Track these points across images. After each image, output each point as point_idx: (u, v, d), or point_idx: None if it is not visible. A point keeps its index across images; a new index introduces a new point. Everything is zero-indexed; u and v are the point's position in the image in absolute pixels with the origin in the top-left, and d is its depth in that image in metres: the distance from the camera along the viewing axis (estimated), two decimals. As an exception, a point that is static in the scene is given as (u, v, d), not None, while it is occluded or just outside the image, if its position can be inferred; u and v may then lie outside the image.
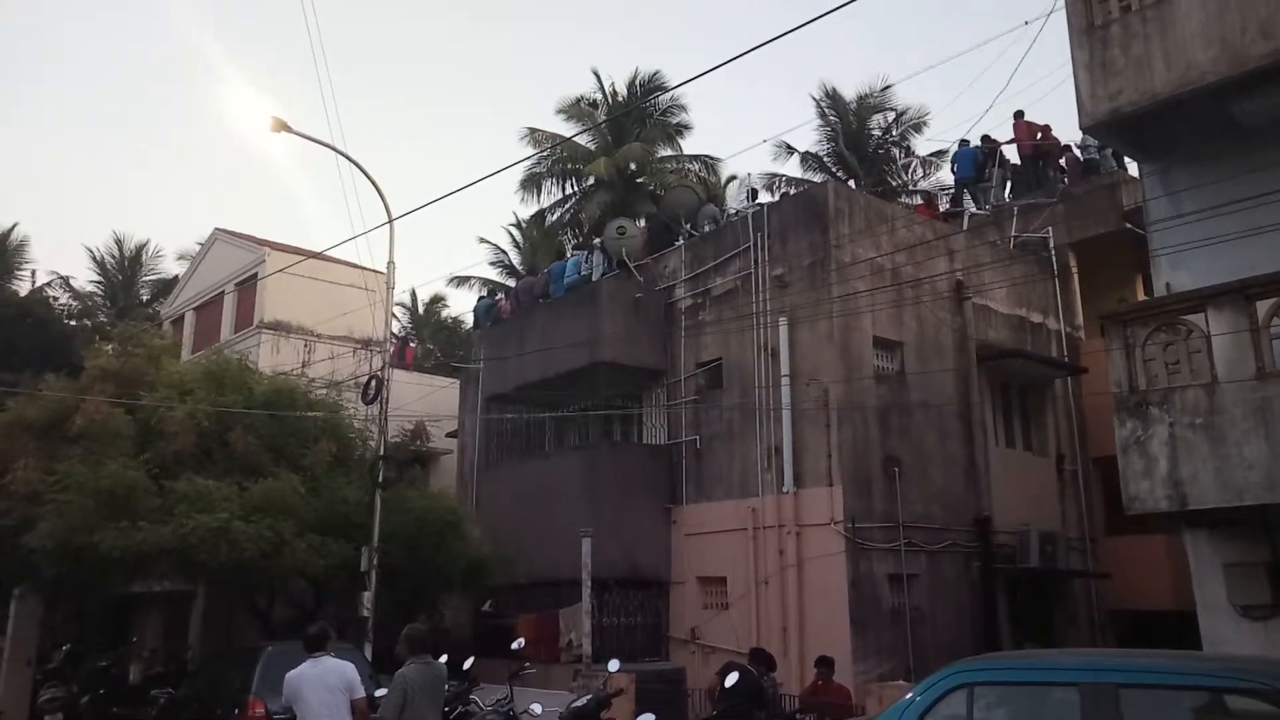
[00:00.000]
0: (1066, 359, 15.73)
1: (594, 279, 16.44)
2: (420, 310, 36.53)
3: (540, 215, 29.25)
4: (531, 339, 16.43)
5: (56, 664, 16.06)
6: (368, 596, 12.83)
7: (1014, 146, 17.68)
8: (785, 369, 13.27)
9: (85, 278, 32.25)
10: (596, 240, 17.94)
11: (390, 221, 14.32)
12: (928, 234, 14.40)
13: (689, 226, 16.67)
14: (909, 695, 5.17)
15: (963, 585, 13.21)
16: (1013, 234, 16.12)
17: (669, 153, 28.17)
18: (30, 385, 15.46)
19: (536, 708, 8.27)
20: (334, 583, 13.67)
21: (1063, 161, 17.18)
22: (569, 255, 18.77)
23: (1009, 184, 17.90)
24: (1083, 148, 16.65)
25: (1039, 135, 17.44)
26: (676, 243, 16.44)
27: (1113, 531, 15.18)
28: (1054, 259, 15.99)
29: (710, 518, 13.89)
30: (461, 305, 43.22)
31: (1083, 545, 15.15)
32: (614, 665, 9.06)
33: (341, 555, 12.98)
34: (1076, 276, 16.26)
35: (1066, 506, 15.23)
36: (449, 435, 19.66)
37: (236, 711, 9.96)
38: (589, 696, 8.04)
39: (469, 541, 14.30)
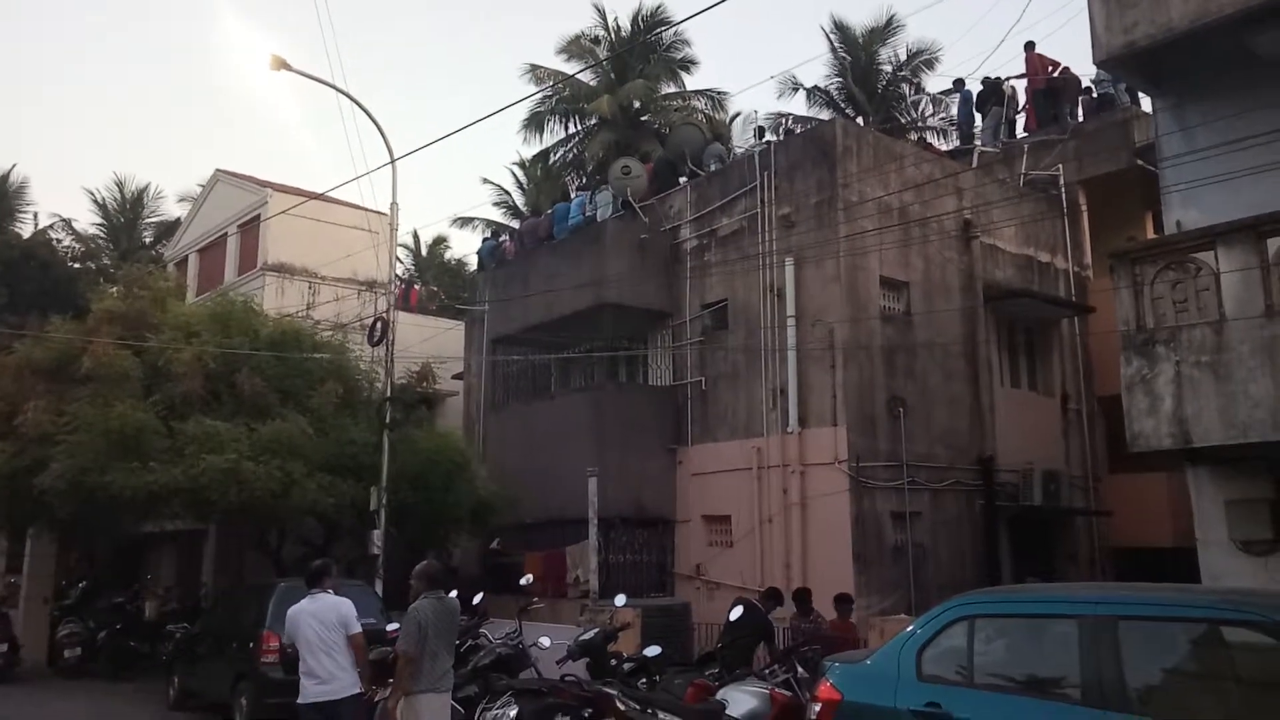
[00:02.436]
0: (1074, 298, 15.65)
1: (599, 219, 16.32)
2: (423, 252, 36.38)
3: (544, 155, 28.91)
4: (536, 280, 16.38)
5: (73, 601, 16.41)
6: (377, 535, 13.04)
7: (1023, 81, 17.32)
8: (791, 309, 13.23)
9: (87, 220, 32.16)
10: (598, 181, 17.76)
11: (393, 161, 14.19)
12: (936, 172, 14.22)
13: (694, 166, 16.47)
14: (910, 628, 5.27)
15: (965, 523, 13.35)
16: (1022, 171, 15.90)
17: (673, 89, 27.70)
18: (36, 327, 15.51)
19: (545, 640, 8.44)
20: (344, 521, 13.89)
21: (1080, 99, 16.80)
22: (573, 195, 18.58)
23: (1013, 121, 17.55)
24: (1096, 82, 16.32)
25: (1051, 70, 17.05)
26: (681, 182, 16.27)
27: (1115, 470, 15.28)
28: (1064, 197, 15.80)
29: (715, 457, 14.00)
30: (465, 246, 43.20)
31: (1085, 483, 15.26)
32: (620, 600, 9.23)
33: (351, 495, 13.16)
34: (1086, 215, 16.09)
35: (1070, 445, 15.31)
36: (455, 377, 19.74)
37: (251, 645, 10.21)
38: (596, 630, 8.20)
39: (476, 481, 14.47)
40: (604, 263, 14.91)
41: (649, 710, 6.11)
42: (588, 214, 16.95)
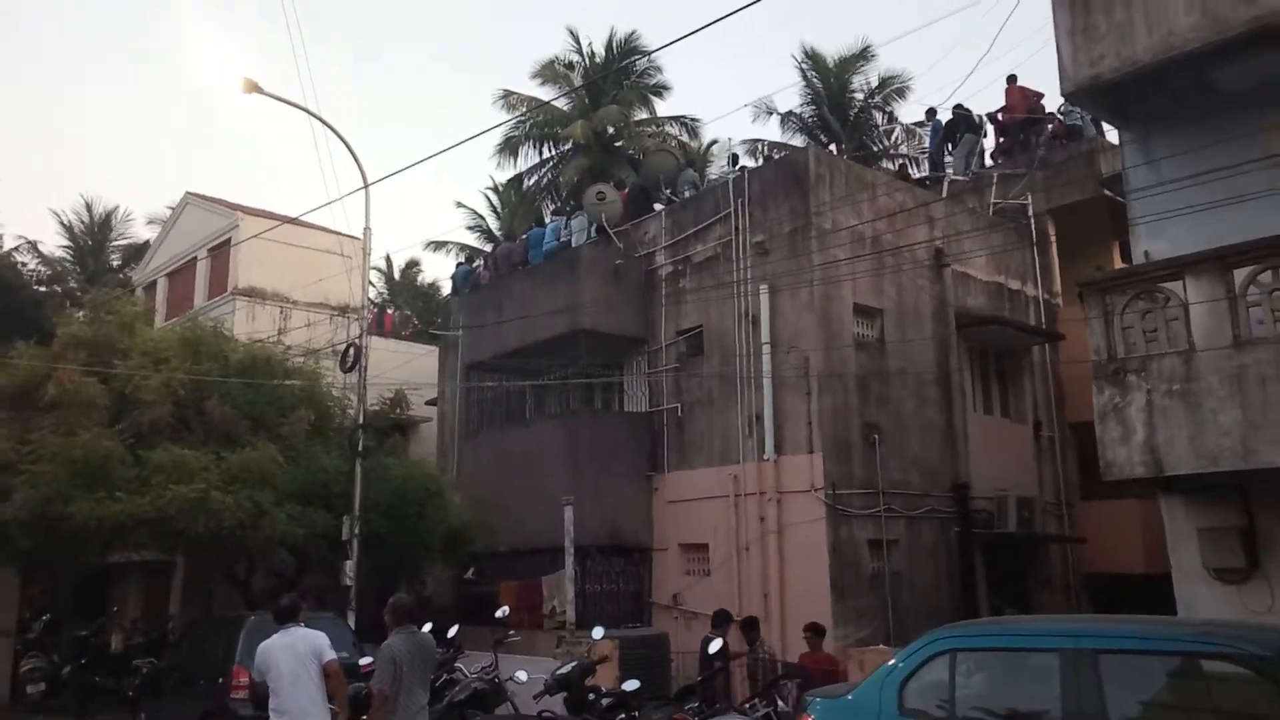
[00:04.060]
0: (1044, 326, 15.85)
1: (574, 245, 16.32)
2: (396, 276, 36.21)
3: (517, 179, 28.97)
4: (511, 306, 16.32)
5: (36, 634, 15.95)
6: (350, 565, 12.84)
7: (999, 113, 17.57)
8: (766, 336, 13.28)
9: (53, 242, 31.69)
10: (572, 207, 17.78)
11: (366, 186, 14.12)
12: (908, 201, 14.39)
13: (669, 192, 16.55)
14: (892, 662, 5.25)
15: (941, 550, 13.39)
16: (993, 200, 16.14)
17: (646, 115, 27.90)
18: (0, 353, 15.17)
19: (522, 675, 8.32)
20: (315, 552, 13.66)
21: (1050, 127, 17.06)
22: (548, 221, 18.59)
23: (983, 151, 17.81)
24: (1065, 113, 16.62)
25: (1034, 100, 17.28)
26: (656, 208, 16.34)
27: (1087, 496, 15.41)
28: (1033, 226, 16.04)
29: (692, 485, 13.96)
30: (438, 271, 43.03)
31: (1059, 510, 15.38)
32: (598, 633, 9.12)
33: (322, 524, 12.95)
34: (1055, 243, 16.33)
35: (1043, 472, 15.44)
36: (429, 403, 19.56)
37: (220, 680, 9.97)
38: (574, 663, 8.09)
39: (450, 509, 14.30)
40: (579, 288, 14.90)
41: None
42: (562, 239, 16.95)
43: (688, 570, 13.93)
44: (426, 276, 36.54)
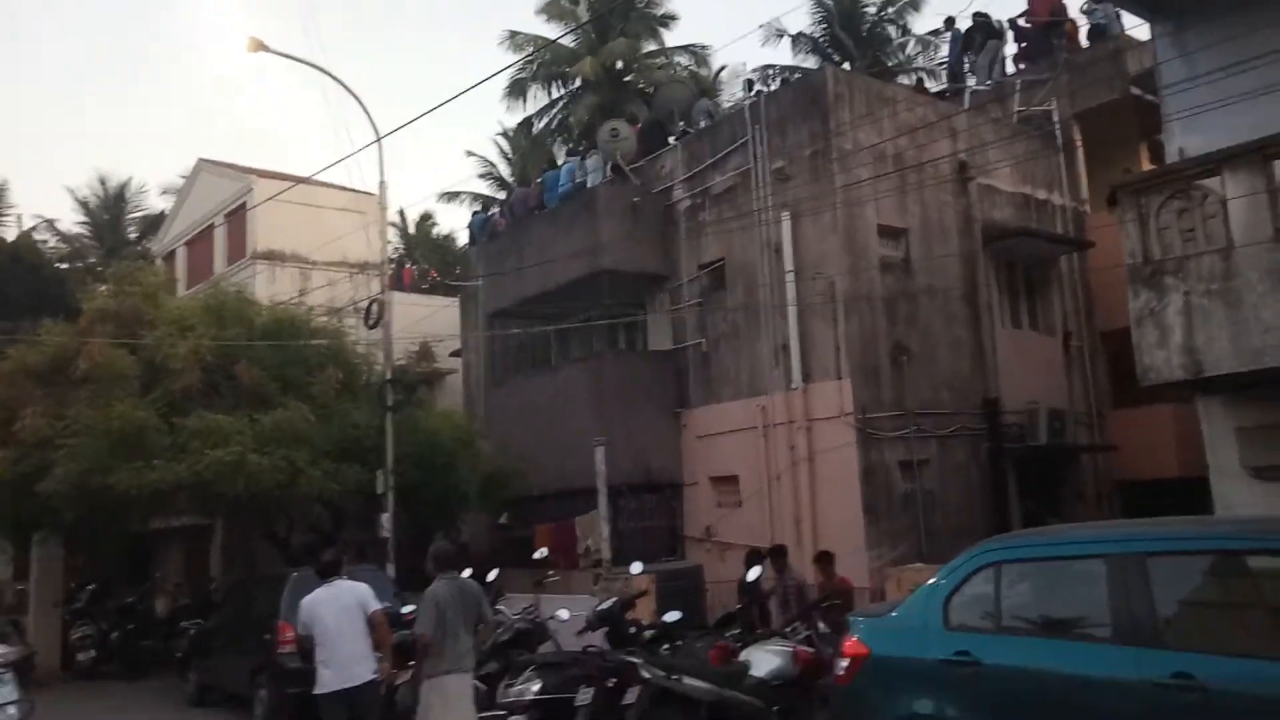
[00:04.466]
0: (1072, 234, 15.48)
1: (589, 185, 16.10)
2: (411, 229, 36.06)
3: (527, 123, 28.54)
4: (530, 252, 16.20)
5: (83, 604, 16.37)
6: (386, 518, 12.99)
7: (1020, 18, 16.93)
8: (789, 264, 13.08)
9: (70, 219, 31.79)
10: (585, 147, 17.50)
11: (379, 139, 13.94)
12: (929, 115, 13.98)
13: (683, 124, 16.22)
14: (934, 579, 5.20)
15: (973, 467, 13.31)
16: (1016, 109, 15.63)
17: (655, 47, 27.27)
18: (28, 331, 15.31)
19: (563, 613, 8.40)
20: (351, 506, 13.83)
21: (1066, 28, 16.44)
22: (561, 163, 18.32)
23: (1005, 58, 17.22)
24: (1088, 12, 15.99)
25: (1055, 2, 16.62)
26: (671, 142, 16.04)
27: (1119, 405, 15.22)
28: (1059, 132, 15.55)
29: (720, 419, 13.93)
30: (452, 222, 42.47)
31: (1089, 420, 15.20)
32: (636, 568, 9.17)
33: (356, 479, 13.08)
34: (1081, 149, 15.86)
35: (1073, 383, 15.23)
36: (453, 355, 19.61)
37: (267, 636, 10.18)
38: (613, 599, 8.16)
39: (481, 458, 14.41)
40: (598, 229, 14.74)
41: (673, 676, 6.06)
42: (578, 180, 16.72)
43: (719, 503, 13.98)
44: (441, 229, 36.39)
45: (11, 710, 8.10)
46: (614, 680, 6.61)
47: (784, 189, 13.37)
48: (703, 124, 15.84)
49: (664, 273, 15.20)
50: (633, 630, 7.85)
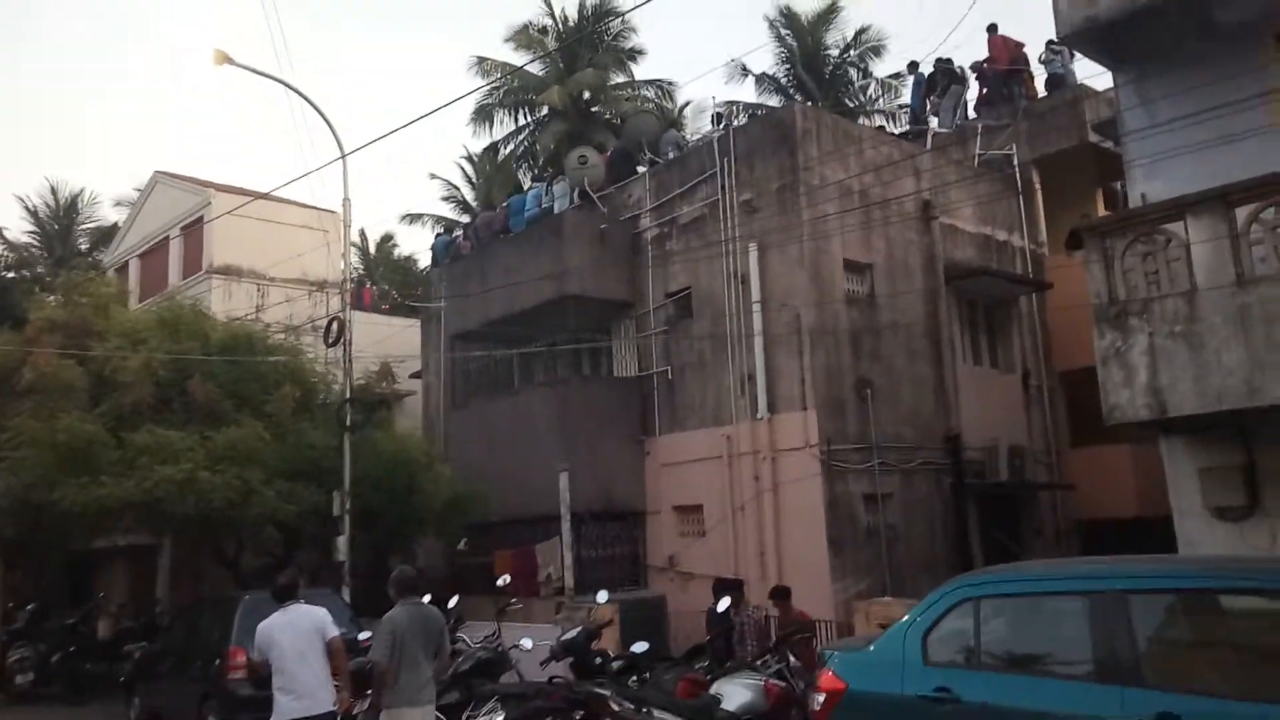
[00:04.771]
0: (1032, 275, 15.82)
1: (556, 211, 16.07)
2: (372, 250, 35.69)
3: (493, 148, 28.51)
4: (494, 275, 16.08)
5: (21, 624, 15.72)
6: (342, 541, 12.69)
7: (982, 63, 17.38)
8: (756, 295, 13.14)
9: (19, 228, 30.89)
10: (551, 173, 17.53)
11: (343, 156, 13.78)
12: (894, 154, 14.24)
13: (651, 154, 16.29)
14: (909, 615, 5.18)
15: (935, 501, 13.42)
16: (977, 151, 16.01)
17: (623, 79, 27.48)
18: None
19: (527, 642, 8.23)
20: (306, 528, 13.50)
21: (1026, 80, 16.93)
22: (529, 188, 18.29)
23: (967, 102, 17.65)
24: (1047, 61, 16.48)
25: (1016, 48, 17.09)
26: (639, 171, 16.10)
27: (1077, 443, 15.49)
28: (1018, 175, 15.94)
29: (685, 447, 13.88)
30: (414, 244, 42.46)
31: (1049, 458, 15.45)
32: (602, 596, 9.03)
33: (312, 501, 12.80)
34: (1040, 193, 16.26)
35: (1032, 421, 15.48)
36: (412, 376, 19.33)
37: (218, 661, 9.82)
38: (578, 629, 8.02)
39: (441, 482, 14.17)
40: (564, 254, 14.68)
41: (644, 710, 5.95)
42: (544, 206, 16.70)
43: (682, 532, 13.89)
44: (402, 250, 36.09)
45: None
46: (581, 713, 6.47)
47: (751, 221, 13.47)
48: (671, 155, 15.92)
49: (630, 299, 15.19)
50: (599, 661, 7.72)
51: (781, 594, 9.69)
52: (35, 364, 12.53)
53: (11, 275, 22.73)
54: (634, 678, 6.82)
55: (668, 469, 14.19)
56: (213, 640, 10.26)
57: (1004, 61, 16.94)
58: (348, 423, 13.16)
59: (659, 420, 14.46)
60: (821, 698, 5.10)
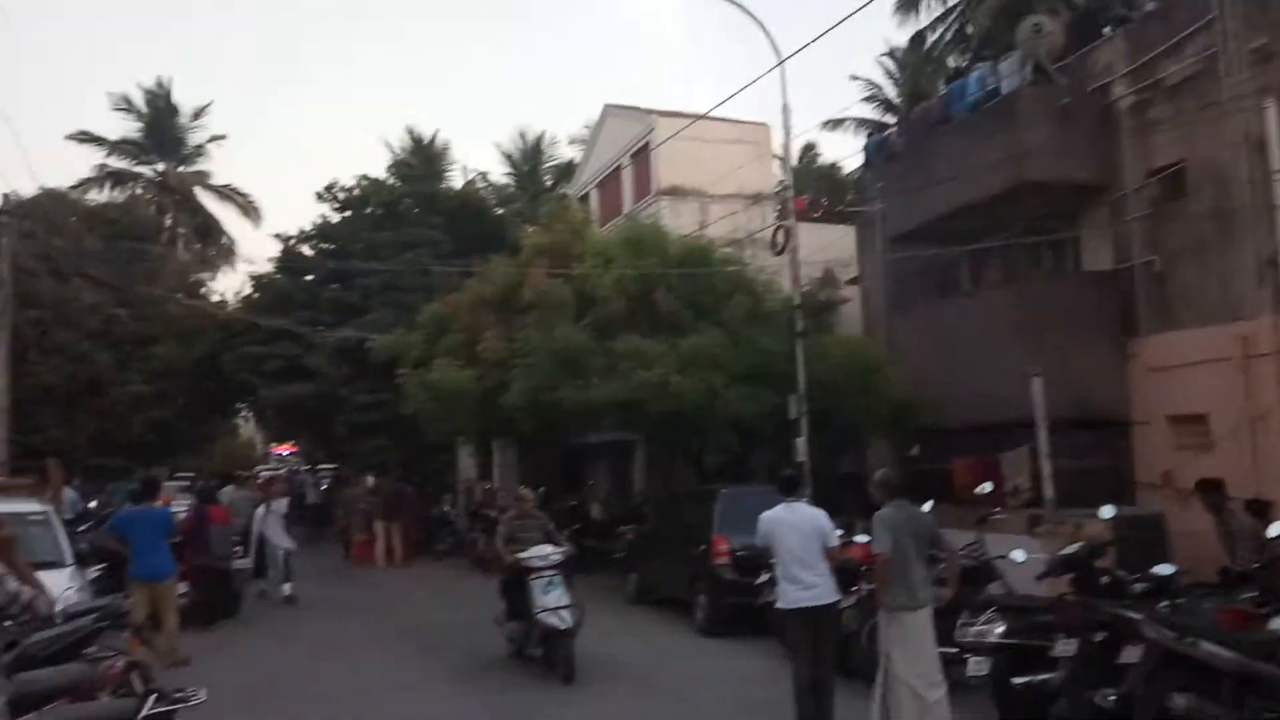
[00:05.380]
0: None
1: (1005, 91, 14.54)
2: (794, 162, 35.79)
3: (919, 37, 26.64)
4: (937, 168, 15.09)
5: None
6: (801, 443, 13.04)
7: None
8: (1277, 163, 10.77)
9: (497, 171, 36.04)
10: (991, 54, 15.86)
11: (781, 63, 13.69)
12: None
13: (1124, 9, 14.00)
14: None
15: None
16: None
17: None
18: (479, 267, 17.51)
19: (1019, 554, 7.72)
20: (762, 430, 14.10)
21: None
22: (972, 69, 16.77)
23: None
24: None
25: None
26: (1106, 31, 13.95)
27: None
28: None
29: (1180, 349, 11.99)
30: (836, 151, 41.73)
31: None
32: (1107, 511, 8.14)
33: (768, 403, 13.30)
34: None
35: None
36: (849, 283, 19.15)
37: (703, 548, 10.70)
38: (1079, 544, 7.32)
39: (891, 385, 13.91)
40: (1020, 137, 13.29)
41: (1187, 639, 5.20)
42: (989, 88, 15.21)
43: (1180, 445, 12.12)
44: (826, 159, 35.75)
45: (565, 615, 8.38)
46: (1103, 635, 5.88)
47: (1266, 72, 10.96)
48: (1149, 7, 13.54)
49: (1101, 182, 13.35)
50: (1105, 581, 6.98)
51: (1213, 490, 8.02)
52: (532, 284, 14.44)
53: (501, 211, 26.51)
54: (1165, 603, 6.03)
55: (1157, 374, 12.42)
56: (696, 528, 11.19)
57: None
58: (798, 328, 13.38)
59: (1144, 319, 12.67)
60: None
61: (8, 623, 3.24)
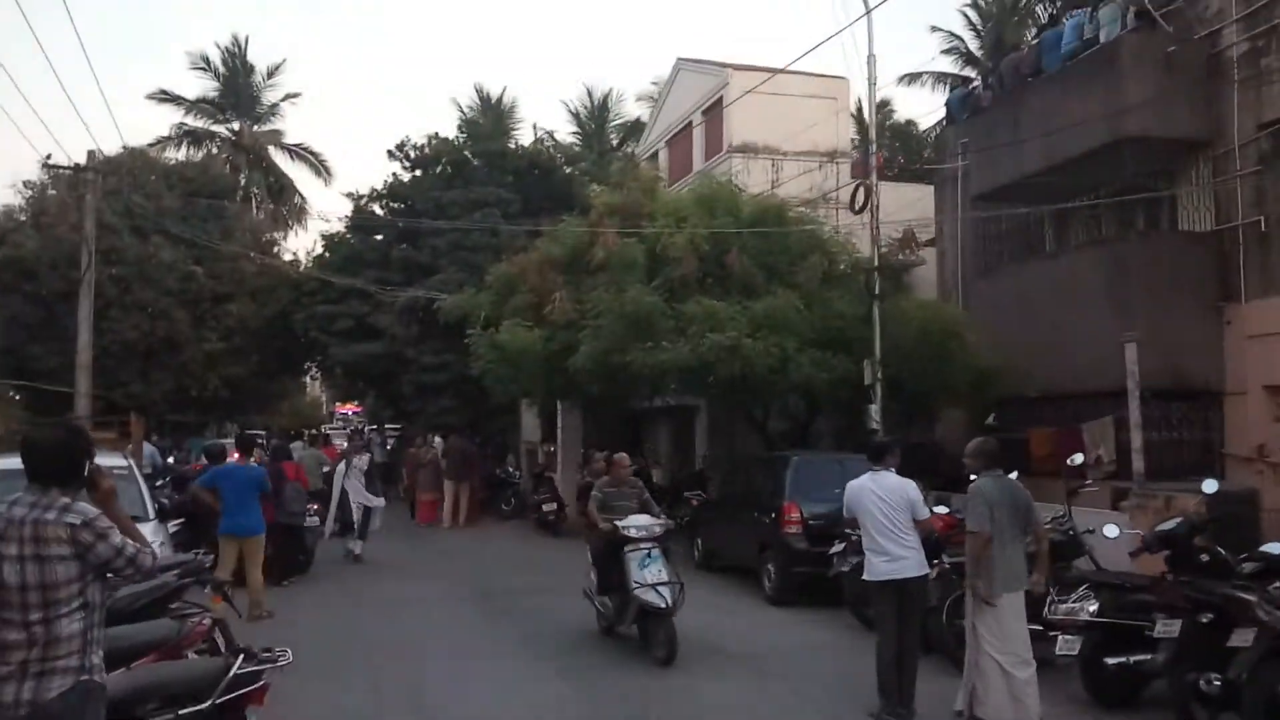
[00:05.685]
0: None
1: (1103, 40, 13.72)
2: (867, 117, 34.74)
3: (1006, -15, 25.52)
4: (1026, 123, 14.38)
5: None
6: (874, 409, 12.70)
7: None
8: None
9: (565, 130, 35.76)
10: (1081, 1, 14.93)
11: (869, 11, 13.10)
12: None
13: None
14: None
15: None
16: None
17: None
18: (549, 226, 17.35)
19: (1111, 529, 7.35)
20: (836, 396, 13.76)
21: None
22: (1068, 16, 15.87)
23: None
24: None
25: None
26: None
27: None
28: None
29: (1285, 315, 11.30)
30: (912, 108, 40.37)
31: None
32: (1210, 486, 7.71)
33: (842, 369, 12.95)
34: None
35: None
36: (925, 244, 18.52)
37: (773, 516, 10.50)
38: (1178, 519, 6.92)
39: (971, 352, 13.43)
40: (1121, 88, 12.54)
41: (1308, 626, 4.86)
42: (1085, 37, 14.36)
43: (1278, 417, 11.48)
44: (901, 115, 34.61)
45: (664, 592, 7.75)
46: (1210, 616, 5.54)
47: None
48: (1266, -55, 12.53)
49: (1204, 136, 12.55)
50: (1205, 559, 6.59)
51: None
52: (603, 244, 14.21)
53: (570, 171, 26.28)
54: (1276, 584, 5.66)
55: (1257, 341, 11.73)
56: (766, 495, 10.98)
57: None
58: (875, 291, 12.96)
59: (1246, 283, 11.94)
60: None
61: (110, 575, 3.22)
